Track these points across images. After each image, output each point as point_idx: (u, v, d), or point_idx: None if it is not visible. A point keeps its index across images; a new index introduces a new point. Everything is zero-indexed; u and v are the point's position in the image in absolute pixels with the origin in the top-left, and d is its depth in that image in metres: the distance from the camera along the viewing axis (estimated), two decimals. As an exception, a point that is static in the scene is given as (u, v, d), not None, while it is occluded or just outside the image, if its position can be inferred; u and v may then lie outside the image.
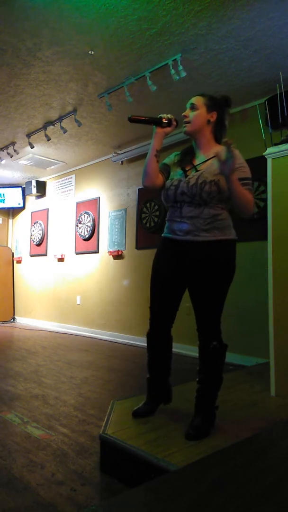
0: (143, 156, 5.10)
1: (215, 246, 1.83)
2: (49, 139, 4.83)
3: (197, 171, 1.87)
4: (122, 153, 5.47)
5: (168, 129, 1.90)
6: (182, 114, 1.92)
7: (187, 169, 1.91)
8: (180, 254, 1.90)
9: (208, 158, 1.88)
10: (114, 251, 5.58)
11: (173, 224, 1.92)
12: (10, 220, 8.14)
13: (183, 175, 1.90)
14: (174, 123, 1.90)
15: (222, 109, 1.93)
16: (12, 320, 7.61)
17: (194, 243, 1.84)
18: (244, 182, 1.83)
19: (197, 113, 1.89)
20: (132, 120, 1.85)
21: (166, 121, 1.88)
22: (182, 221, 1.87)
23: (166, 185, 1.94)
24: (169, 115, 1.89)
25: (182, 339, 3.27)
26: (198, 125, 1.89)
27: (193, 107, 1.90)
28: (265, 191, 3.73)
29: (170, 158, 2.05)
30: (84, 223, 6.15)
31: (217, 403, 1.92)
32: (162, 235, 2.02)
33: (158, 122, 1.88)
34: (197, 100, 1.91)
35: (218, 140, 1.95)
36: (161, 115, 1.89)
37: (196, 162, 1.92)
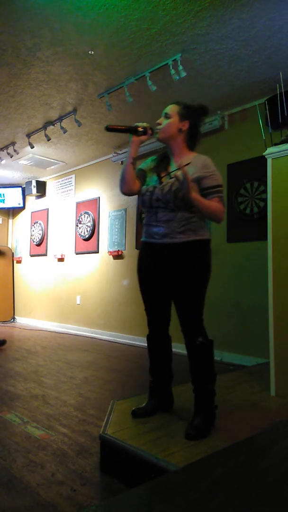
0: (143, 156, 5.10)
1: (191, 247, 1.90)
2: (49, 139, 4.83)
3: (171, 178, 1.93)
4: (122, 153, 5.47)
5: (143, 137, 1.96)
6: (156, 121, 2.00)
7: (162, 175, 1.97)
8: (160, 257, 1.96)
9: (182, 166, 1.92)
10: (114, 251, 5.58)
11: (150, 229, 1.99)
12: (10, 220, 8.14)
13: (157, 182, 1.96)
14: (149, 131, 1.97)
15: (196, 118, 1.99)
16: (12, 320, 7.61)
17: (171, 245, 1.91)
18: (215, 190, 1.91)
19: (169, 121, 1.96)
20: (109, 129, 1.91)
21: (141, 130, 1.95)
22: (158, 225, 1.94)
23: (142, 191, 2.00)
24: (144, 124, 1.96)
25: (181, 339, 3.28)
26: (169, 133, 1.97)
27: (167, 116, 1.98)
28: (265, 191, 3.73)
29: (147, 163, 2.10)
30: (84, 223, 6.15)
31: (216, 402, 1.93)
32: (141, 240, 2.08)
33: (134, 131, 1.95)
34: (171, 108, 1.98)
35: (191, 148, 2.02)
36: (137, 123, 1.95)
37: (170, 169, 1.98)
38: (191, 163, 1.90)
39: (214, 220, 1.93)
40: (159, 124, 1.98)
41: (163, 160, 2.04)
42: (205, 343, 1.91)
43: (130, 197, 5.38)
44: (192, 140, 2.01)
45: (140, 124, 1.94)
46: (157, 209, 1.94)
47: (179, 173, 1.81)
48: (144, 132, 1.95)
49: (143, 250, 2.07)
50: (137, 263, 2.10)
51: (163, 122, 1.97)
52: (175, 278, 1.92)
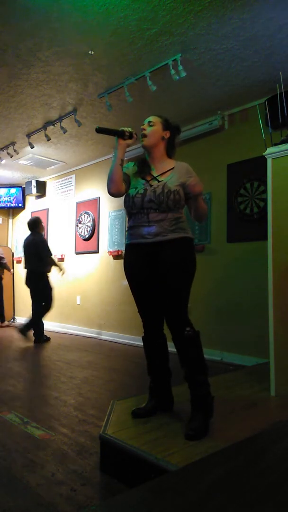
0: (142, 156, 5.10)
1: (181, 243, 2.01)
2: (49, 139, 4.83)
3: (158, 181, 2.03)
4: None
5: (129, 141, 2.08)
6: (141, 127, 2.12)
7: (148, 179, 2.07)
8: (151, 256, 2.01)
9: (166, 170, 2.07)
10: (114, 251, 5.58)
11: (140, 229, 2.04)
12: (10, 220, 8.15)
13: (147, 184, 2.05)
14: (135, 136, 2.09)
15: (173, 132, 2.15)
16: (12, 320, 7.61)
17: (164, 242, 1.99)
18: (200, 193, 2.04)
19: (154, 128, 2.10)
20: (98, 130, 2.01)
21: (127, 134, 2.05)
22: (150, 225, 2.01)
23: (130, 194, 2.08)
24: (129, 129, 2.06)
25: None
26: (155, 140, 2.09)
27: (150, 124, 2.11)
28: (265, 191, 3.73)
29: (128, 168, 2.19)
30: (84, 223, 6.15)
31: (213, 394, 1.94)
32: (127, 242, 2.12)
33: (120, 134, 2.05)
34: (154, 118, 2.13)
35: (170, 155, 2.15)
36: (123, 128, 2.05)
37: (154, 173, 2.09)
38: (175, 168, 2.07)
39: (203, 217, 2.14)
40: (144, 129, 2.09)
41: (144, 165, 2.14)
42: (192, 333, 1.96)
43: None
44: (171, 149, 2.16)
45: (126, 128, 2.05)
46: (148, 210, 2.01)
47: (195, 181, 1.99)
48: (130, 136, 2.06)
49: (132, 253, 2.11)
50: (125, 267, 2.14)
51: (148, 128, 2.09)
52: (167, 274, 1.97)
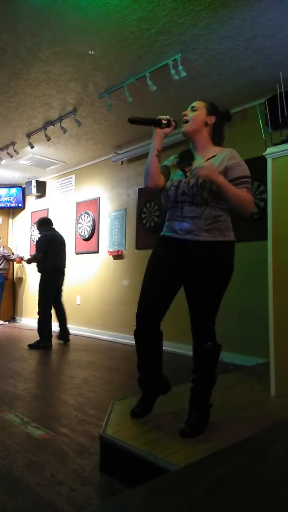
0: (143, 156, 5.10)
1: (214, 247, 1.85)
2: (49, 139, 4.83)
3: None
4: (122, 153, 5.47)
5: (167, 129, 1.93)
6: (182, 112, 1.95)
7: (186, 170, 1.93)
8: (179, 253, 1.90)
9: (207, 159, 1.91)
10: (114, 251, 5.58)
11: (173, 223, 1.92)
12: (10, 220, 8.14)
13: (183, 176, 1.92)
14: (173, 123, 1.93)
15: (221, 118, 1.99)
16: (12, 320, 7.61)
17: (194, 243, 1.85)
18: (242, 181, 1.84)
19: (196, 113, 1.93)
20: (132, 121, 1.87)
21: (165, 122, 1.91)
22: (183, 220, 1.88)
23: (166, 186, 1.95)
24: (167, 116, 1.92)
25: (182, 339, 3.28)
26: (196, 125, 1.92)
27: (194, 109, 1.95)
28: (265, 191, 3.73)
29: (170, 160, 2.07)
30: (84, 223, 6.15)
31: (211, 401, 1.93)
32: (161, 233, 2.01)
33: (157, 123, 1.91)
34: (198, 103, 1.97)
35: (216, 143, 1.98)
36: (160, 116, 1.92)
37: (195, 163, 1.93)
38: (217, 156, 1.88)
39: (244, 211, 1.84)
40: (185, 115, 1.93)
41: (186, 155, 2.00)
42: (212, 348, 1.90)
43: (130, 197, 5.40)
44: (218, 136, 1.98)
45: (163, 116, 1.91)
46: (182, 204, 1.87)
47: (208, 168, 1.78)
48: (168, 124, 1.91)
49: (161, 243, 1.98)
50: (152, 255, 2.00)
51: (190, 114, 1.93)
52: (193, 275, 1.87)
